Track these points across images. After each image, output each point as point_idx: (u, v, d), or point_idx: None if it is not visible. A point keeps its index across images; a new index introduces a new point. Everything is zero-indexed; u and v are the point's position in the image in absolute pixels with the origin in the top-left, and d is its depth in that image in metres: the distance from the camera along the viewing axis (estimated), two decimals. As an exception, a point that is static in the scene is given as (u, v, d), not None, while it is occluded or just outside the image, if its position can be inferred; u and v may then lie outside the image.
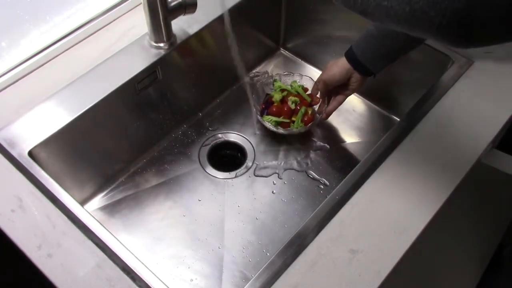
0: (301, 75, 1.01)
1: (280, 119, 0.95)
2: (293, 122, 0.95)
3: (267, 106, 0.98)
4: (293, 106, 0.95)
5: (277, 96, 0.97)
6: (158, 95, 0.93)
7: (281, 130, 0.95)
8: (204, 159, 0.97)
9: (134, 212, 0.90)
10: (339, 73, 0.87)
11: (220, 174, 0.96)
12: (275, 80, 1.01)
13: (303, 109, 0.95)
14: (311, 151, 0.99)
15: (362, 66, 0.84)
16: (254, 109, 0.98)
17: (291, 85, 1.00)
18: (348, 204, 0.70)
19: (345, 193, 0.71)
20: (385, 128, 1.03)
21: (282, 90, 0.98)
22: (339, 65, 0.87)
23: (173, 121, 1.00)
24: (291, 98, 0.96)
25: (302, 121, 0.95)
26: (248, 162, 0.97)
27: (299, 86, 0.99)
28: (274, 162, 0.97)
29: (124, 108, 0.88)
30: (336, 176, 0.95)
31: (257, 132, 1.00)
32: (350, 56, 0.84)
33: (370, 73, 0.85)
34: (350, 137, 1.02)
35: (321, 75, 0.92)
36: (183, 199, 0.92)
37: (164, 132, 1.00)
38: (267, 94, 1.00)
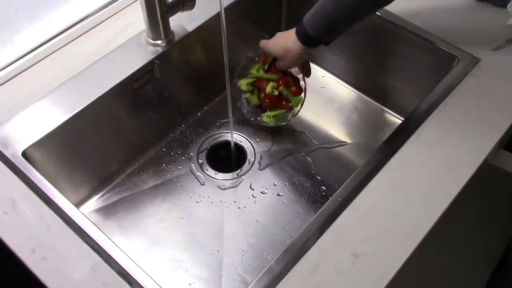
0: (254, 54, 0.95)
1: (278, 111, 0.92)
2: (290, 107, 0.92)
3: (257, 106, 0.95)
4: (275, 92, 0.91)
5: (252, 98, 0.94)
6: (155, 94, 0.93)
7: (288, 117, 0.93)
8: (203, 159, 0.98)
9: (131, 214, 0.90)
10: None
11: (219, 175, 0.96)
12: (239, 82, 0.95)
13: (282, 88, 0.90)
14: (313, 151, 0.99)
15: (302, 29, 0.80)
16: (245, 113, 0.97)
17: (250, 73, 0.94)
18: (350, 207, 0.70)
19: (347, 195, 0.71)
20: (388, 127, 1.03)
21: (252, 84, 0.93)
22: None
23: (171, 121, 1.00)
24: (265, 86, 0.91)
25: (293, 93, 0.91)
26: (249, 163, 0.98)
27: (258, 67, 0.93)
28: (275, 163, 0.97)
29: (121, 107, 0.88)
30: (339, 178, 0.95)
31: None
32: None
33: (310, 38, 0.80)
34: (352, 137, 1.01)
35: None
36: (181, 201, 0.92)
37: (162, 132, 1.00)
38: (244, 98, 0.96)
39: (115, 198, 0.92)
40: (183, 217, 0.90)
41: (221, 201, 0.92)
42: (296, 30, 0.82)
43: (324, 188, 0.94)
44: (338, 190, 0.72)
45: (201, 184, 0.95)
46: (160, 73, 0.90)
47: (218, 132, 1.02)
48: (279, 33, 0.88)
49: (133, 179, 0.95)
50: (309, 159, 0.98)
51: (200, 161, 0.98)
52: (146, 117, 0.94)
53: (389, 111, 1.05)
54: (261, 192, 0.94)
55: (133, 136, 0.94)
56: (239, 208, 0.92)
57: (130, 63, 0.86)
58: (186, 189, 0.94)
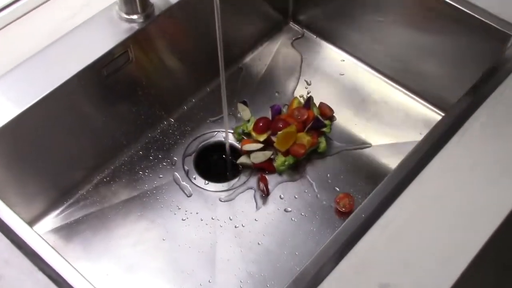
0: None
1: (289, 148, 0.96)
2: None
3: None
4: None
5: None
6: (130, 83, 0.93)
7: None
8: (191, 165, 0.98)
9: (99, 235, 0.90)
10: None
11: (211, 186, 0.97)
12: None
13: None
14: (329, 156, 1.00)
15: None
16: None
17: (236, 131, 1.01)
18: (377, 225, 0.70)
19: (373, 210, 0.71)
20: (424, 125, 1.03)
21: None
22: None
23: (150, 117, 1.00)
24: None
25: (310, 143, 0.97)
26: (248, 170, 0.98)
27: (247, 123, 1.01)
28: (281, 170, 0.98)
29: (87, 99, 0.89)
30: (362, 189, 0.96)
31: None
32: None
33: None
34: (379, 138, 1.02)
35: None
36: (163, 218, 0.93)
37: (138, 130, 1.00)
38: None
39: (79, 214, 0.92)
40: (164, 239, 0.90)
41: (212, 219, 0.93)
42: None
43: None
44: (362, 205, 0.72)
45: (188, 196, 0.95)
46: (136, 57, 0.90)
47: (209, 130, 1.03)
48: None
49: (102, 191, 0.95)
50: (325, 165, 0.98)
51: (186, 167, 0.98)
52: (118, 112, 0.95)
53: (426, 104, 1.06)
54: (264, 207, 0.94)
55: (101, 136, 0.95)
56: (236, 227, 0.92)
57: (98, 44, 0.86)
58: (169, 203, 0.94)
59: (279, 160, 0.96)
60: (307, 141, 0.96)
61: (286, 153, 0.96)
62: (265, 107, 1.04)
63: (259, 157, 0.97)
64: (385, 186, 0.73)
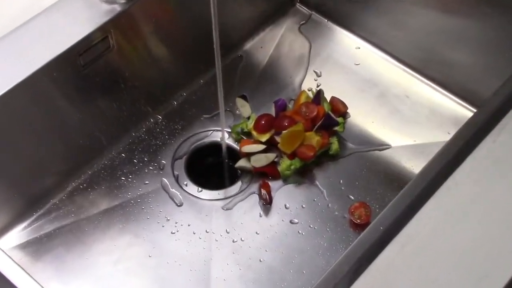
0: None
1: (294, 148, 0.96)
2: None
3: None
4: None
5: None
6: (111, 73, 0.93)
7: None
8: (181, 170, 0.98)
9: (74, 252, 0.90)
10: None
11: (205, 194, 0.96)
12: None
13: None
14: (341, 158, 0.99)
15: None
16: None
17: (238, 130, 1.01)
18: (398, 238, 0.69)
19: (393, 221, 0.70)
20: (453, 122, 1.03)
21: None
22: None
23: (134, 113, 1.00)
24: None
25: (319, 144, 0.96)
26: (248, 175, 0.98)
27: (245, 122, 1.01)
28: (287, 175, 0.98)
29: (60, 93, 0.88)
30: (380, 196, 0.95)
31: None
32: None
33: None
34: (400, 137, 1.02)
35: None
36: (149, 231, 0.92)
37: (120, 129, 1.00)
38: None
39: (50, 227, 0.92)
40: (151, 255, 0.90)
41: (207, 232, 0.93)
42: None
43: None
44: (380, 215, 0.71)
45: (178, 206, 0.95)
46: (117, 44, 0.90)
47: (203, 129, 1.03)
48: None
49: (77, 200, 0.94)
50: (337, 169, 0.98)
51: (176, 172, 0.98)
52: (97, 107, 0.95)
53: (454, 98, 1.06)
54: (267, 218, 0.94)
55: (77, 136, 0.94)
56: (234, 241, 0.92)
57: (73, 28, 0.85)
58: (156, 214, 0.94)
59: (284, 164, 0.96)
60: (316, 142, 0.95)
61: (292, 156, 0.96)
62: (268, 102, 1.04)
63: (261, 160, 0.96)
64: (406, 194, 0.73)
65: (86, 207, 0.94)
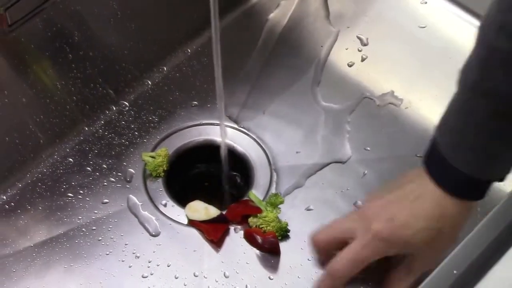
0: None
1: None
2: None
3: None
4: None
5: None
6: (52, 39, 0.90)
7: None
8: (158, 183, 0.93)
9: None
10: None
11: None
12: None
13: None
14: (367, 168, 0.96)
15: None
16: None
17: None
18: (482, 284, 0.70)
19: (472, 262, 0.73)
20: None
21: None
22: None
23: (88, 98, 0.97)
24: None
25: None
26: (255, 189, 0.94)
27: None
28: (302, 191, 0.94)
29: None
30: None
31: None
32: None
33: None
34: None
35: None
36: (108, 273, 0.87)
37: (68, 121, 0.96)
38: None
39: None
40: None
41: (195, 276, 0.86)
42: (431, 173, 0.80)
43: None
44: (452, 253, 0.73)
45: (152, 236, 0.89)
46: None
47: (191, 122, 0.99)
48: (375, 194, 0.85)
49: (0, 226, 0.89)
50: (366, 182, 0.95)
51: (151, 186, 0.92)
52: (31, 89, 0.92)
53: None
54: (285, 255, 0.89)
55: (6, 132, 0.91)
56: (226, 277, 0.87)
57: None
58: (119, 248, 0.88)
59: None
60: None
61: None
62: (282, 84, 1.01)
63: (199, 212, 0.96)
64: (491, 223, 0.77)
65: (14, 238, 0.88)
